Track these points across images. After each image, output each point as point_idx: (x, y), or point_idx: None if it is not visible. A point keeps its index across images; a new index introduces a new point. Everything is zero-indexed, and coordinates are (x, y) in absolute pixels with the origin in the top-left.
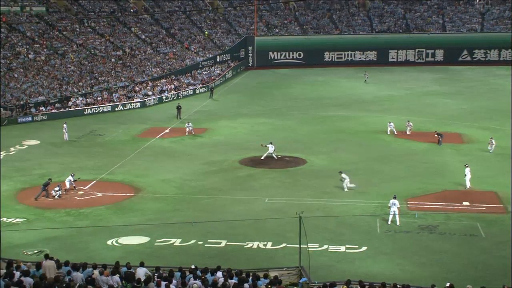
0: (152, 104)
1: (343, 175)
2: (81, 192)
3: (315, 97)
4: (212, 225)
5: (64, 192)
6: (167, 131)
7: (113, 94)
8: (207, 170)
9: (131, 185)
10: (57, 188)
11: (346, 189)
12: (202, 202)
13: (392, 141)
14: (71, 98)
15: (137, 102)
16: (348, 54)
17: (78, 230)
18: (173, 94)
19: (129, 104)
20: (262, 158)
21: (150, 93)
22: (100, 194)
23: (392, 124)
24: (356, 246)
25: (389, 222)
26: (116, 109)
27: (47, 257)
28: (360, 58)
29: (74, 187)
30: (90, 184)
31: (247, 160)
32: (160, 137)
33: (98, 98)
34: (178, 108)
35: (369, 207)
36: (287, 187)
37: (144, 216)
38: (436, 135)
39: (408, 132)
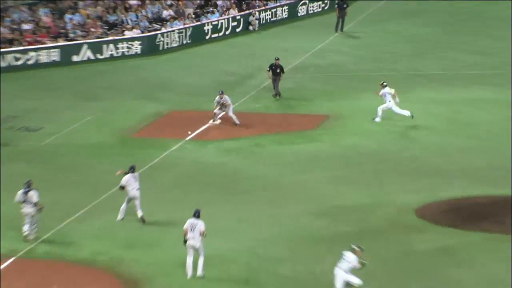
0: (176, 45)
1: None
2: None
3: None
4: None
5: None
6: (216, 122)
7: (66, 17)
8: (328, 231)
9: (113, 271)
10: None
11: None
12: None
13: None
14: None
15: (132, 38)
16: None
17: None
18: (235, 18)
19: (110, 46)
20: None
21: (167, 13)
22: None
23: None
24: None
25: None
26: (76, 57)
27: None
28: None
29: None
30: None
31: (438, 207)
32: (198, 137)
33: (25, 27)
34: (275, 70)
35: None
36: None
37: None
38: None
39: None
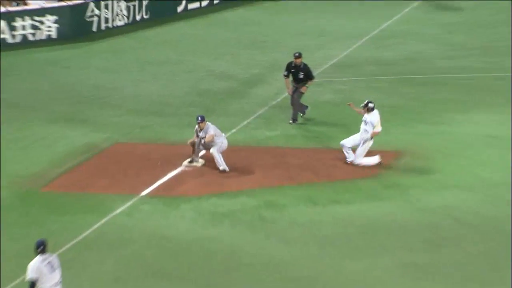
0: (123, 24)
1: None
2: None
3: None
4: None
5: None
6: (195, 164)
7: None
8: None
9: None
10: None
11: None
12: None
13: None
14: None
15: (42, 11)
16: None
17: None
18: None
19: (2, 25)
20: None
21: None
22: None
23: None
24: None
25: None
26: None
27: None
28: None
29: None
30: None
31: None
32: (164, 191)
33: None
34: (296, 74)
35: None
36: None
37: None
38: None
39: None
